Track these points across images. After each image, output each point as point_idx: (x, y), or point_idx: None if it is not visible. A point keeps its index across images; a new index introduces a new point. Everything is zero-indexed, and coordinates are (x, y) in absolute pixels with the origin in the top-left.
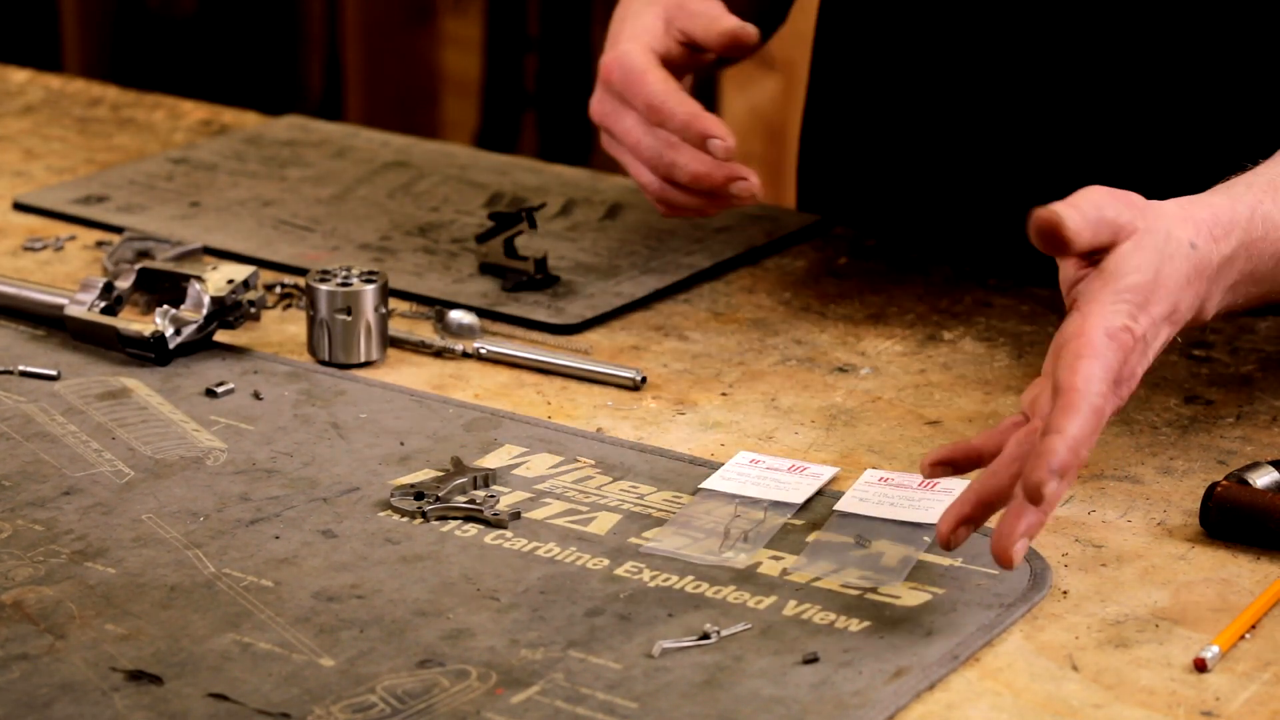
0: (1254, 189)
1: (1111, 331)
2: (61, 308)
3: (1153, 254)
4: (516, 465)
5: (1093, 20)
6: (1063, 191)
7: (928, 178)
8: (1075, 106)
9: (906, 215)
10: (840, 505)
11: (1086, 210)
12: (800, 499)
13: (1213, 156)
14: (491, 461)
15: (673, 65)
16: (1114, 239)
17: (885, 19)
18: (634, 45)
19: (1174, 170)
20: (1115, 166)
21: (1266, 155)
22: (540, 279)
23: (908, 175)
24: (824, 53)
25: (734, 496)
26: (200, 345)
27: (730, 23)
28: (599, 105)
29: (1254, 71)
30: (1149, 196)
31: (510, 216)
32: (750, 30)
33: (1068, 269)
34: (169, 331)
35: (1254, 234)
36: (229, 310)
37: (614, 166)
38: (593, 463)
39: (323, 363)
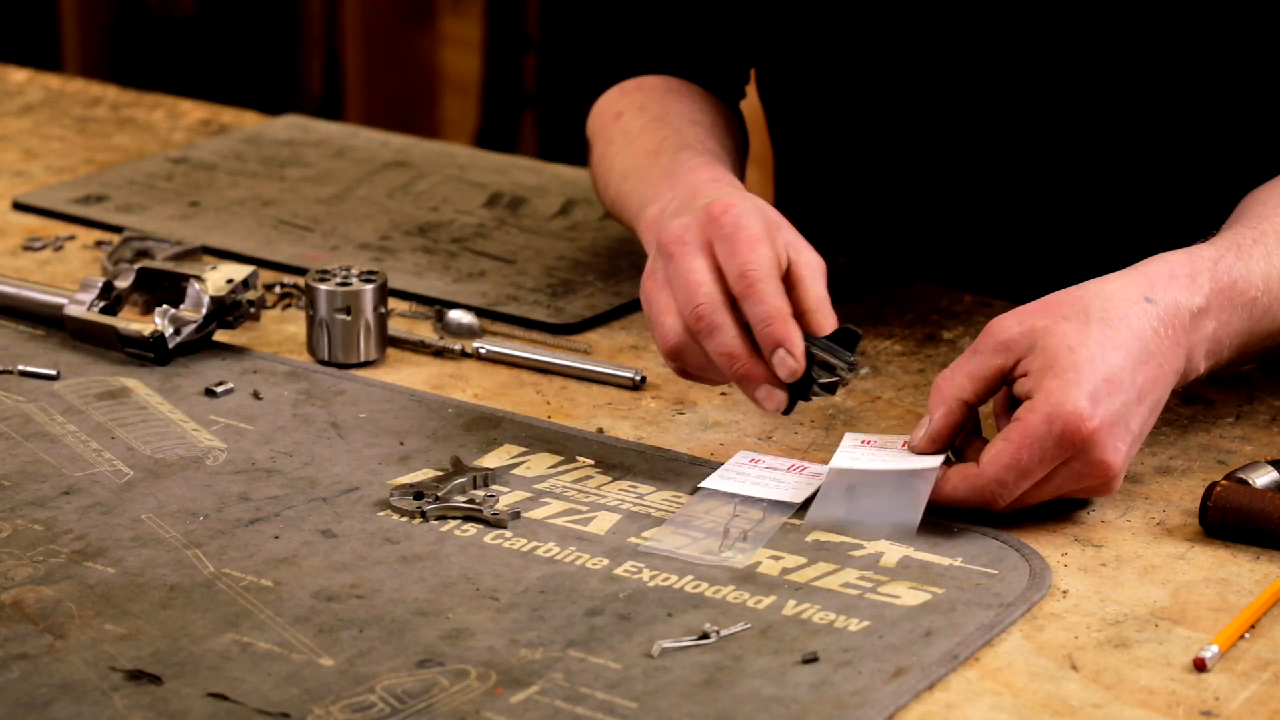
0: (1216, 246)
1: (1057, 416)
2: (61, 307)
3: (1087, 333)
4: (516, 465)
5: (1053, 49)
6: (1038, 230)
7: (899, 228)
8: (1037, 140)
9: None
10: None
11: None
12: (800, 498)
13: (1169, 188)
14: (491, 461)
15: None
16: (1031, 343)
17: (835, 81)
18: (755, 210)
19: (1135, 198)
20: (1086, 231)
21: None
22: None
23: (881, 224)
24: (780, 123)
25: (733, 496)
26: (199, 345)
27: (828, 317)
28: (680, 231)
29: (1211, 124)
30: (1111, 229)
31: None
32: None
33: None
34: (168, 331)
35: (1221, 282)
36: (228, 310)
37: None
38: (592, 462)
39: (322, 362)
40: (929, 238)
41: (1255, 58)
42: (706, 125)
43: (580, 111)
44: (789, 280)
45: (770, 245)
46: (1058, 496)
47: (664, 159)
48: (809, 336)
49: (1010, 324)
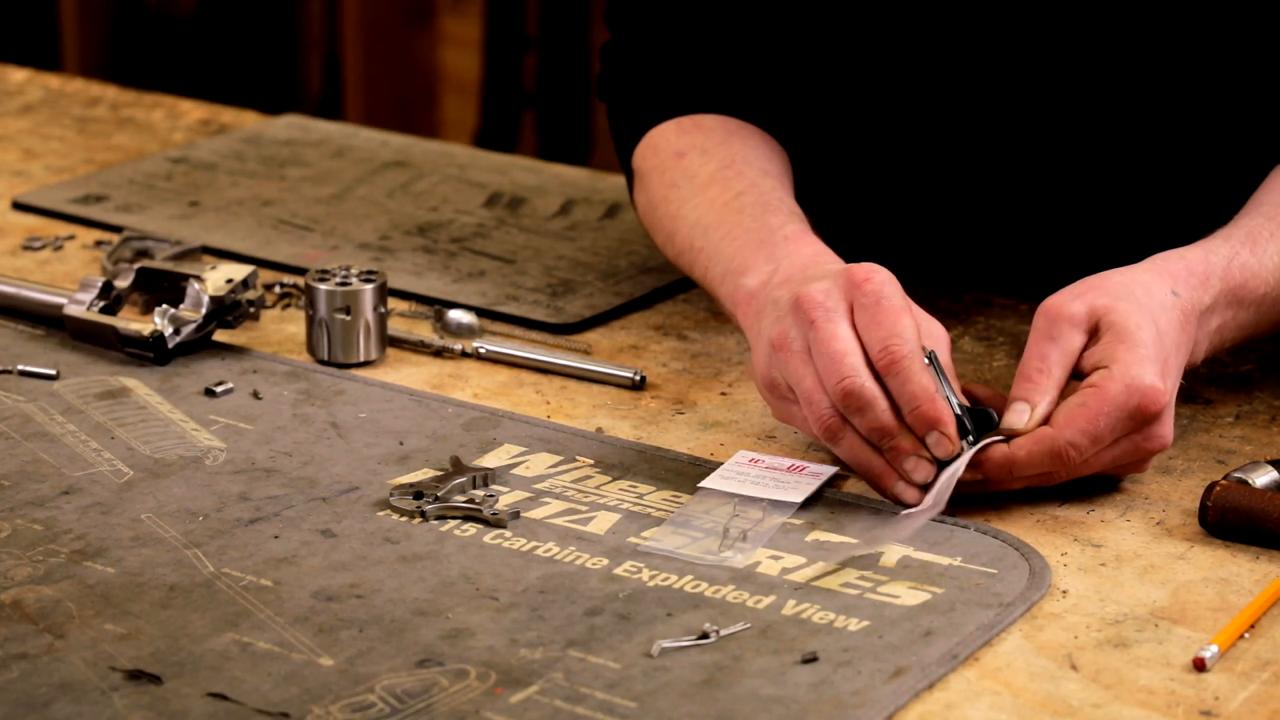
0: (1231, 241)
1: (1135, 387)
2: (60, 307)
3: (1145, 313)
4: (516, 465)
5: (1058, 47)
6: (1043, 238)
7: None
8: (1042, 138)
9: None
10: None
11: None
12: (799, 498)
13: (1180, 193)
14: (491, 461)
15: None
16: (1096, 320)
17: (842, 98)
18: (893, 279)
19: (1137, 192)
20: (1092, 232)
21: (1233, 209)
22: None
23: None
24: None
25: (733, 496)
26: (199, 345)
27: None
28: (821, 296)
29: (1220, 128)
30: (1120, 238)
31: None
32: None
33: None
34: (168, 331)
35: (1232, 282)
36: (228, 310)
37: (613, 166)
38: (592, 462)
39: (322, 362)
40: (929, 235)
41: (1256, 56)
42: (775, 175)
43: (583, 58)
44: None
45: (911, 317)
46: (1104, 471)
47: (748, 219)
48: (954, 404)
49: (1074, 305)
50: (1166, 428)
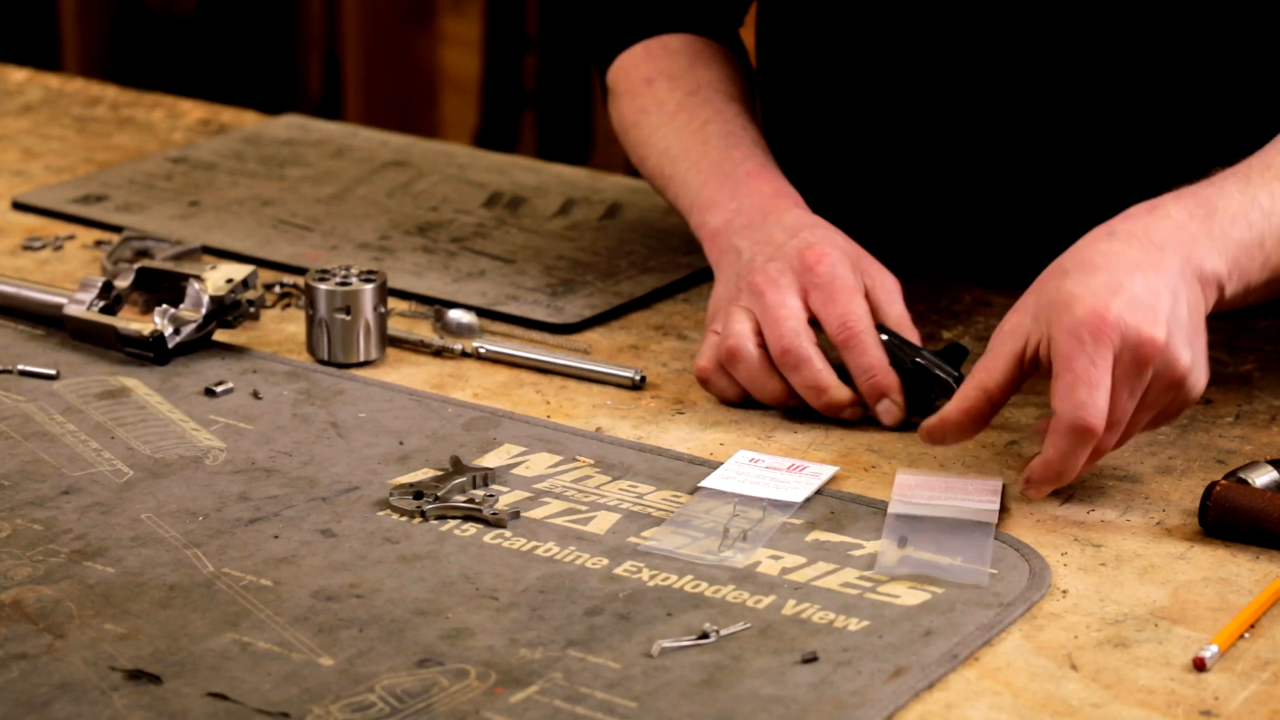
0: (1196, 185)
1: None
2: (60, 307)
3: (1070, 258)
4: (516, 465)
5: (1058, 29)
6: (1034, 206)
7: (893, 201)
8: (1041, 121)
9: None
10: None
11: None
12: (799, 498)
13: (1177, 151)
14: (491, 461)
15: None
16: (1029, 309)
17: (832, 44)
18: (842, 255)
19: (1142, 166)
20: (1083, 180)
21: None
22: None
23: (873, 197)
24: (771, 82)
25: (733, 496)
26: (199, 345)
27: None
28: (775, 274)
29: (1214, 78)
30: (1119, 195)
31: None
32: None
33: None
34: (168, 331)
35: (1210, 200)
36: (228, 310)
37: (613, 166)
38: (592, 462)
39: (322, 362)
40: (929, 227)
41: (1256, 43)
42: (741, 99)
43: (582, 58)
44: (869, 302)
45: (862, 294)
46: (1154, 421)
47: (713, 150)
48: (924, 354)
49: (1007, 316)
50: (1148, 328)
